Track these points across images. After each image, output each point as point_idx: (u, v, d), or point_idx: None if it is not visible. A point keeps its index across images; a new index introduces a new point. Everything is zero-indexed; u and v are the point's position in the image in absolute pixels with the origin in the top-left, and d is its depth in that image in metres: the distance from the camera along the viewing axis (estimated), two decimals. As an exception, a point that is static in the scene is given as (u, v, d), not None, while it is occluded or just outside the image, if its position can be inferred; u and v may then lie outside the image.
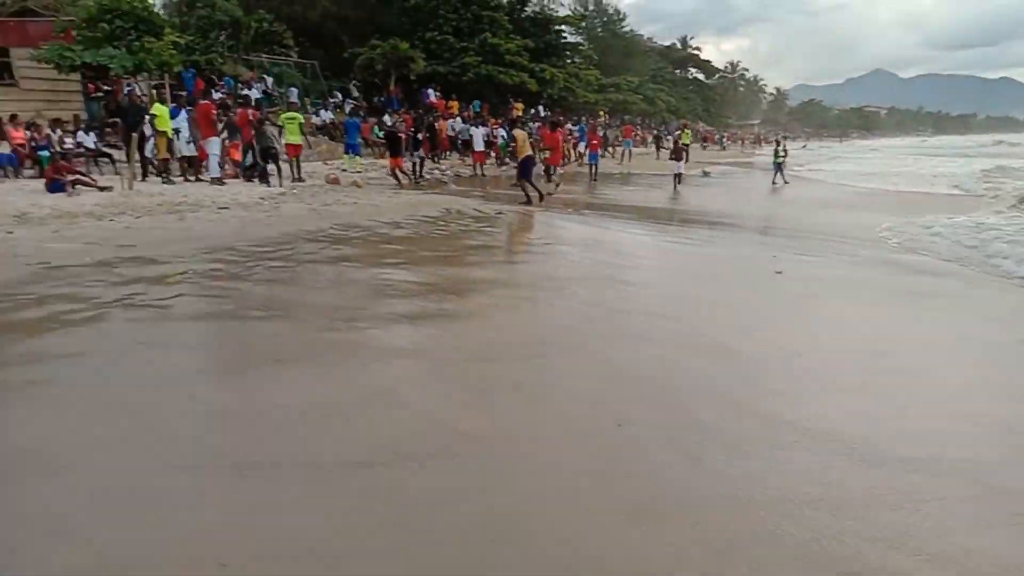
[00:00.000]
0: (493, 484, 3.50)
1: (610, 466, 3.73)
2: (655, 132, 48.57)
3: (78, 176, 13.33)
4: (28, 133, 16.15)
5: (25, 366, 4.82)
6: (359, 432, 3.99)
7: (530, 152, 15.74)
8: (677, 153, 22.16)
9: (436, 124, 26.28)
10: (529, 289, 7.78)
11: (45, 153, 15.38)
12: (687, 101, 73.44)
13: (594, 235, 12.13)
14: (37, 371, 4.73)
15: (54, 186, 12.71)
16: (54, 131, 16.74)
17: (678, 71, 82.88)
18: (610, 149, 34.63)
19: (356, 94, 32.42)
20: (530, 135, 26.11)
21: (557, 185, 18.58)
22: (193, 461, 3.58)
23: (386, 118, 28.43)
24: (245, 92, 22.69)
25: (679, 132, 35.47)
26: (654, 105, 60.44)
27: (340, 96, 30.88)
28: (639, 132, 49.20)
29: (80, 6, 21.85)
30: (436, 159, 24.80)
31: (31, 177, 15.00)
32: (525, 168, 15.46)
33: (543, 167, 18.80)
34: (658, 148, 38.93)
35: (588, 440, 4.03)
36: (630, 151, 34.52)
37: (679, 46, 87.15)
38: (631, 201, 18.28)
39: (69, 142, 16.57)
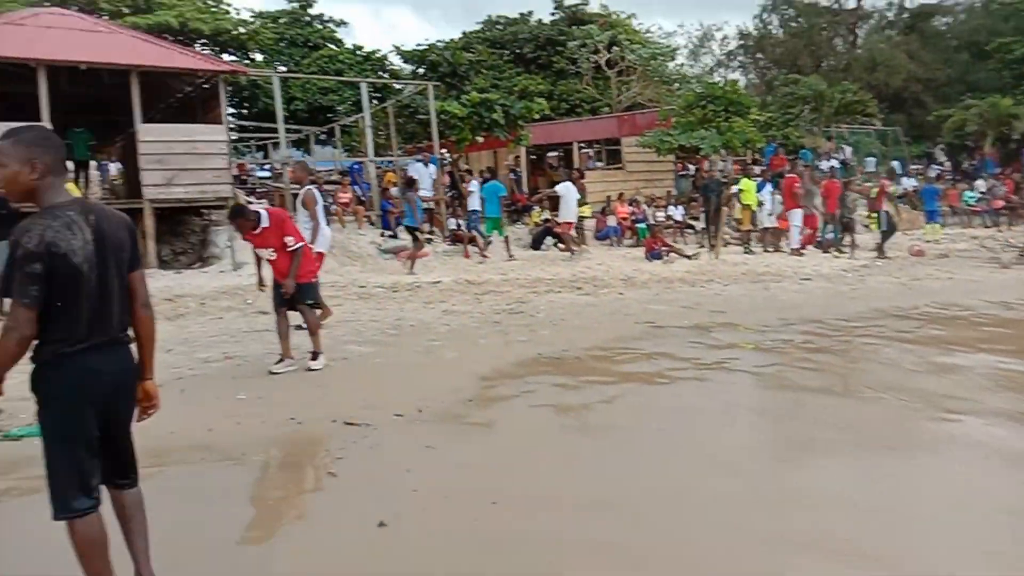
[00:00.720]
0: None
1: None
2: None
3: (671, 246, 14.89)
4: (630, 208, 18.81)
5: (646, 414, 5.40)
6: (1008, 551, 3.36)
7: None
8: None
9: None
10: None
11: (642, 225, 17.66)
12: None
13: None
14: (652, 420, 5.26)
15: (652, 254, 14.43)
16: (649, 206, 19.17)
17: None
18: None
19: (942, 159, 29.58)
20: None
21: None
22: (787, 542, 3.43)
23: (979, 183, 25.22)
24: (829, 163, 22.58)
25: None
26: None
27: (926, 161, 28.55)
28: None
29: (679, 95, 24.77)
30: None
31: (629, 246, 17.32)
32: None
33: None
34: None
35: None
36: None
37: None
38: None
39: (660, 215, 18.71)
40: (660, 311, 9.31)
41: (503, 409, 5.55)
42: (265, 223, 6.15)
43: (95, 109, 16.16)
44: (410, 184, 13.43)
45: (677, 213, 19.22)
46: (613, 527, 3.58)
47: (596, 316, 9.02)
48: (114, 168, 23.10)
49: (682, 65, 35.98)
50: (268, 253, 6.31)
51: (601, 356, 7.10)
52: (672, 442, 4.82)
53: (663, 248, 14.69)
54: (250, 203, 16.21)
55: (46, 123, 11.44)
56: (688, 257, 14.44)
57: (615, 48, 29.05)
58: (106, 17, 22.81)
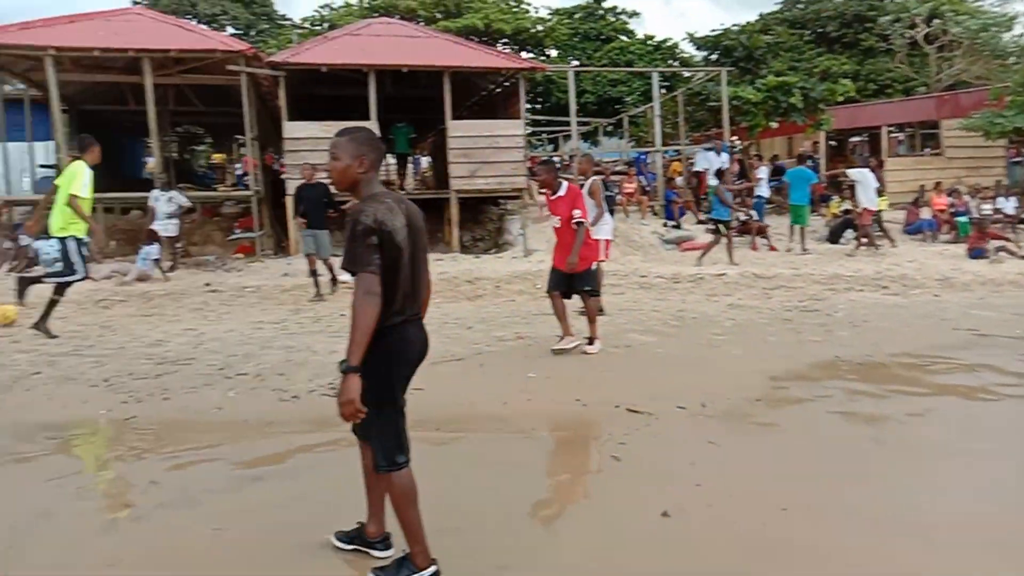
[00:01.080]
0: None
1: None
2: None
3: (1004, 243, 12.94)
4: (949, 199, 16.66)
5: (964, 433, 4.77)
6: None
7: None
8: None
9: None
10: None
11: (963, 219, 15.53)
12: None
13: None
14: (971, 439, 4.62)
15: (975, 252, 12.66)
16: (972, 197, 16.82)
17: None
18: None
19: None
20: None
21: None
22: None
23: None
24: None
25: None
26: None
27: None
28: None
29: (1015, 70, 21.39)
30: None
31: (947, 242, 15.34)
32: None
33: None
34: None
35: None
36: None
37: None
38: None
39: (987, 208, 16.32)
40: (985, 317, 8.16)
41: (795, 412, 5.24)
42: (562, 192, 6.64)
43: (411, 108, 17.99)
44: (720, 176, 13.23)
45: (1008, 206, 16.60)
46: (922, 557, 3.22)
47: (905, 319, 8.15)
48: (424, 162, 25.60)
49: (1021, 36, 30.90)
50: (555, 221, 6.72)
51: (910, 364, 6.40)
52: (995, 467, 4.21)
53: (994, 245, 12.76)
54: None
55: (374, 121, 13.00)
56: (1023, 257, 12.44)
57: (936, 21, 25.85)
58: (422, 23, 25.26)
